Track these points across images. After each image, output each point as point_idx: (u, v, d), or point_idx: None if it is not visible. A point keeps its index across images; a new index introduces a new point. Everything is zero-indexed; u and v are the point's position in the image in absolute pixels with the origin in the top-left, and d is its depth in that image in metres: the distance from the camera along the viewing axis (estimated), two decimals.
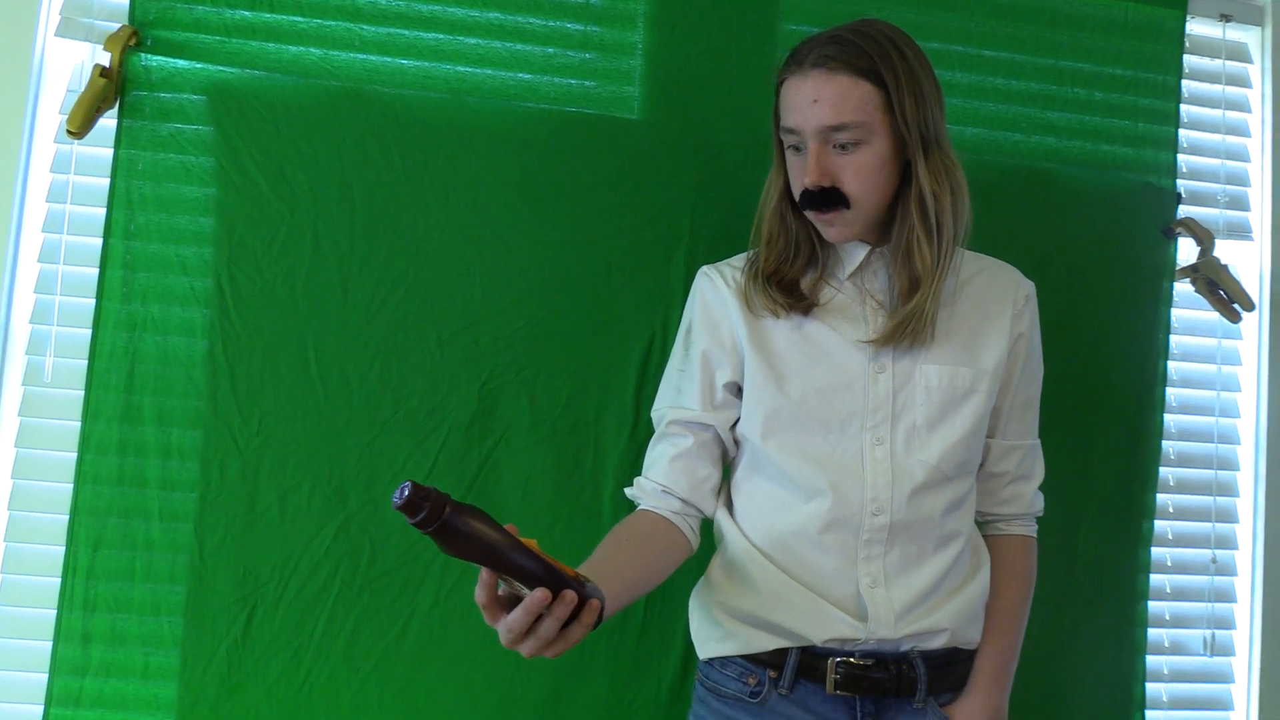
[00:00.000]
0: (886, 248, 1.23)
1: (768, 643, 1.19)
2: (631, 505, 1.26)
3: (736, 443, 1.27)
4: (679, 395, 1.26)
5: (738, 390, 1.26)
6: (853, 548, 1.18)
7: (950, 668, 1.22)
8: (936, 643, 1.19)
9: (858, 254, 1.25)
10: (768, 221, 1.26)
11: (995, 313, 1.26)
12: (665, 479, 1.23)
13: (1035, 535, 1.34)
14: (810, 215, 1.20)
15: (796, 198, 1.20)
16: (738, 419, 1.26)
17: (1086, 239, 1.69)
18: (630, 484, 1.27)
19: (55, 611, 1.41)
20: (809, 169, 1.15)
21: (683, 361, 1.29)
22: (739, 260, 1.31)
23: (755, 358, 1.23)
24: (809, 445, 1.20)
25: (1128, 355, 1.71)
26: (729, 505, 1.28)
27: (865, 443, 1.19)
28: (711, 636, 1.25)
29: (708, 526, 1.29)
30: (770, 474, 1.22)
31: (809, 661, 1.18)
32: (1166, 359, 1.73)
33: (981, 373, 1.22)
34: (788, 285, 1.24)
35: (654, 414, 1.30)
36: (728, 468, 1.30)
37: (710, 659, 1.25)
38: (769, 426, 1.21)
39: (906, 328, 1.18)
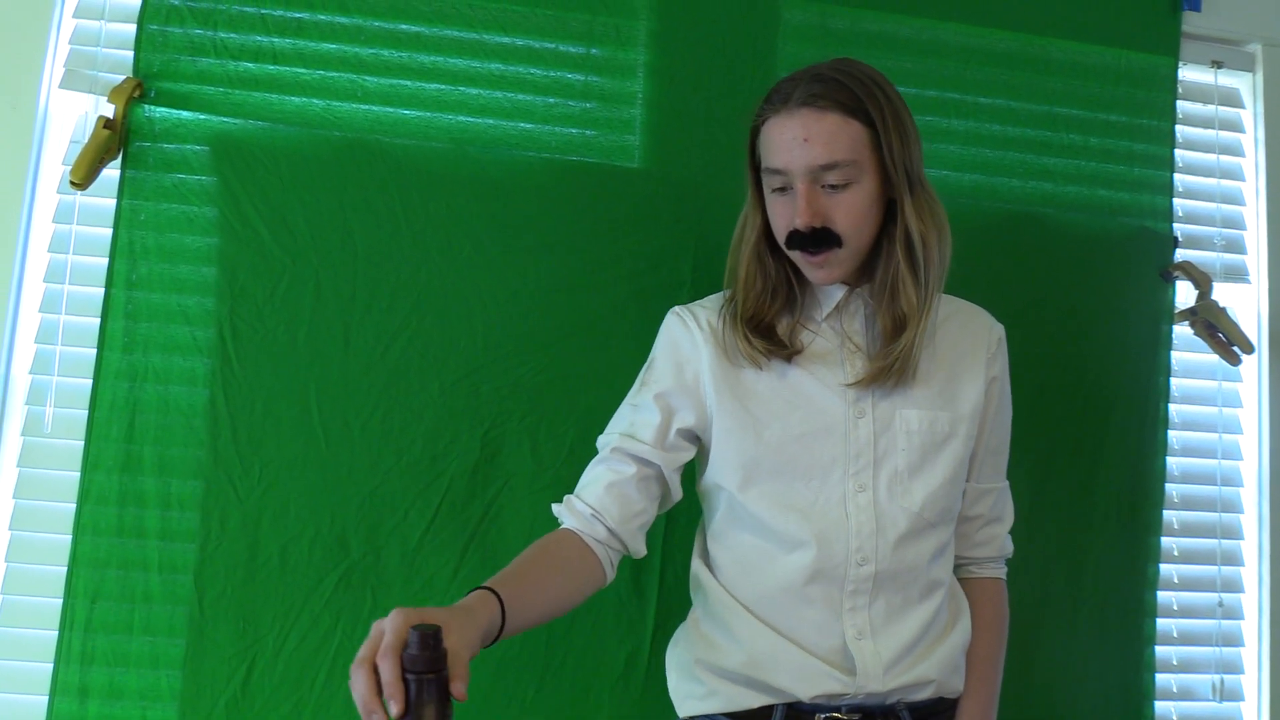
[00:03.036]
0: (866, 289, 1.22)
1: (752, 700, 1.16)
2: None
3: (670, 488, 1.22)
4: (631, 426, 1.22)
5: (693, 437, 1.23)
6: (837, 599, 1.16)
7: (934, 718, 1.20)
8: (923, 694, 1.17)
9: (835, 295, 1.23)
10: (745, 263, 1.23)
11: (970, 356, 1.25)
12: (598, 503, 1.17)
13: (1005, 578, 1.34)
14: (799, 257, 1.18)
15: (781, 239, 1.18)
16: (683, 464, 1.23)
17: (1084, 283, 1.70)
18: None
19: (52, 665, 1.39)
20: (800, 210, 1.13)
21: (639, 396, 1.24)
22: (711, 302, 1.29)
23: (730, 405, 1.20)
24: (790, 494, 1.17)
25: (1128, 399, 1.71)
26: (705, 557, 1.25)
27: (848, 489, 1.17)
28: (692, 694, 1.21)
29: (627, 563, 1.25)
30: (750, 525, 1.19)
31: (795, 718, 1.15)
32: (1167, 402, 1.73)
33: (960, 417, 1.21)
34: (766, 330, 1.21)
35: (600, 441, 1.24)
36: (702, 515, 1.28)
37: (691, 717, 1.21)
38: (748, 476, 1.18)
39: (892, 368, 1.17)
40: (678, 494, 1.24)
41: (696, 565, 1.25)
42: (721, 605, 1.19)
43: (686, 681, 1.23)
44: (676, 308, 1.29)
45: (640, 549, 1.20)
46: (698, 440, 1.24)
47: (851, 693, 1.13)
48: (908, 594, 1.18)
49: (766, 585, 1.17)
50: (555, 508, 1.21)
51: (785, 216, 1.16)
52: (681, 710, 1.23)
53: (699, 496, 1.29)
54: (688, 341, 1.24)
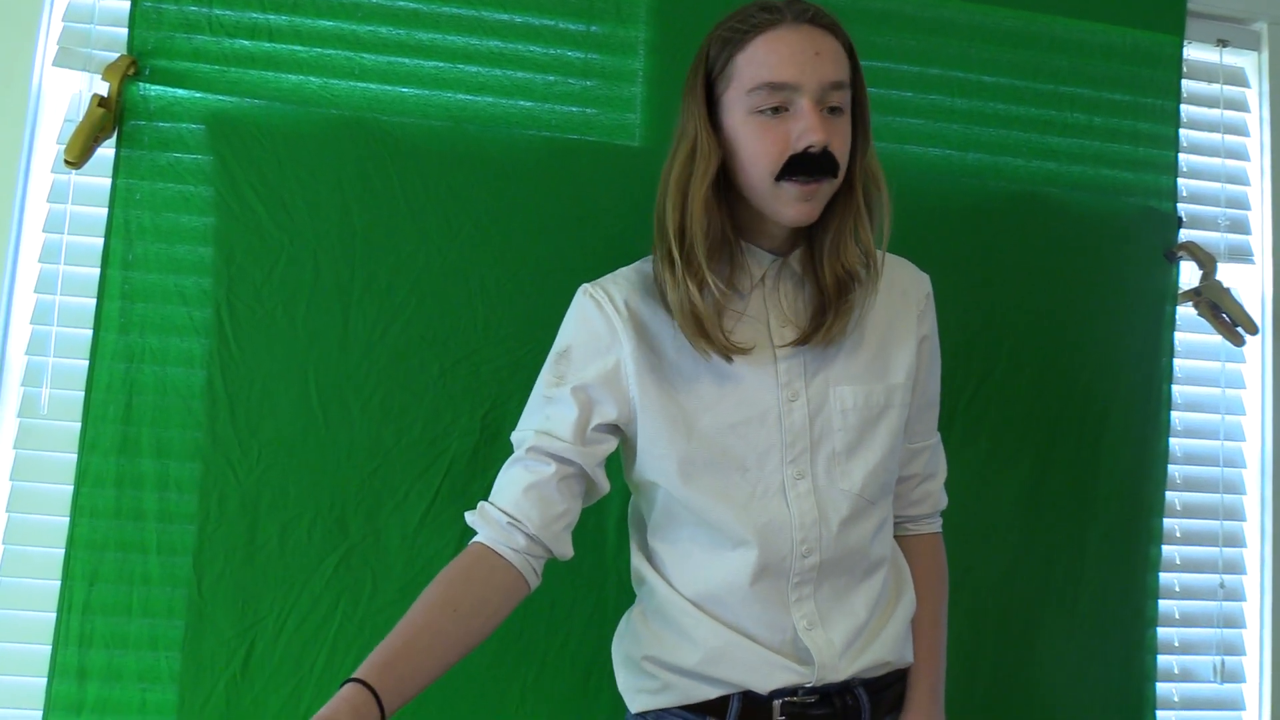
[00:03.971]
0: (796, 255, 1.17)
1: (709, 692, 1.13)
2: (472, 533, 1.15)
3: (595, 482, 1.16)
4: (547, 422, 1.14)
5: (614, 429, 1.16)
6: (784, 590, 1.12)
7: (889, 689, 1.18)
8: (878, 671, 1.16)
9: (764, 261, 1.16)
10: (698, 211, 1.09)
11: (901, 318, 1.20)
12: (515, 509, 1.10)
13: (940, 530, 1.30)
14: (787, 190, 1.07)
15: (770, 168, 1.07)
16: (606, 457, 1.16)
17: (1088, 264, 1.69)
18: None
19: (50, 647, 1.38)
20: (813, 127, 1.04)
21: (553, 388, 1.16)
22: (626, 277, 1.20)
23: (656, 397, 1.13)
24: (728, 488, 1.12)
25: (1131, 380, 1.70)
26: (645, 550, 1.20)
27: (786, 477, 1.12)
28: (645, 689, 1.18)
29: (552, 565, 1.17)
30: (691, 521, 1.14)
31: (752, 706, 1.12)
32: (1170, 383, 1.72)
33: (894, 387, 1.17)
34: (718, 310, 1.11)
35: (514, 437, 1.17)
36: (640, 513, 1.23)
37: (644, 711, 1.18)
38: (684, 472, 1.12)
39: (831, 327, 1.11)
40: (604, 486, 1.18)
41: (638, 560, 1.20)
42: (669, 603, 1.15)
43: (636, 677, 1.19)
44: (588, 287, 1.19)
45: (566, 551, 1.14)
46: (619, 432, 1.17)
47: (810, 683, 1.11)
48: (852, 575, 1.15)
49: (712, 582, 1.13)
50: (469, 516, 1.14)
51: (780, 140, 1.06)
52: (633, 705, 1.20)
53: (629, 487, 1.24)
54: (605, 328, 1.16)
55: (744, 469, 1.13)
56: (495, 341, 1.47)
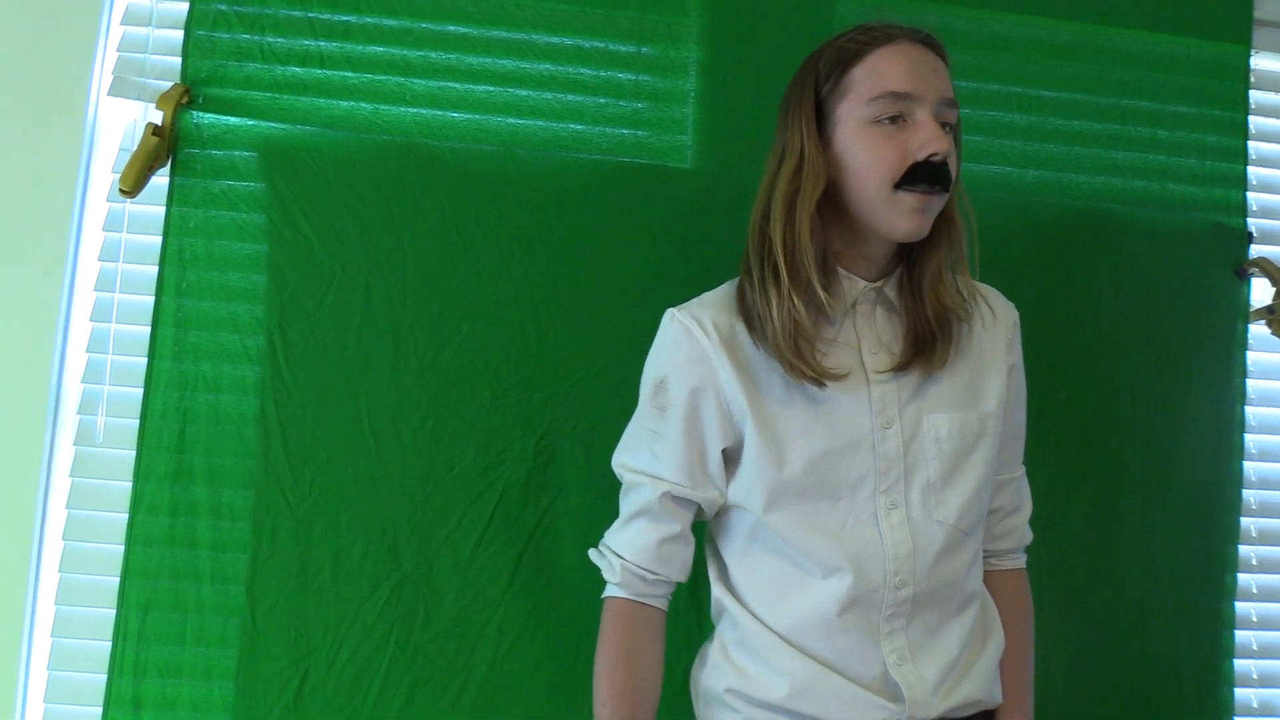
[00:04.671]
0: (889, 282, 1.15)
1: None
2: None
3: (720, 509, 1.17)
4: (656, 461, 1.15)
5: (723, 455, 1.15)
6: (875, 623, 1.09)
7: None
8: (968, 711, 1.12)
9: (857, 286, 1.14)
10: (804, 230, 1.09)
11: (990, 347, 1.19)
12: (655, 565, 1.14)
13: (1025, 567, 1.28)
14: (905, 200, 1.07)
15: (890, 176, 1.06)
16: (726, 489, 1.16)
17: (1155, 281, 1.64)
18: None
19: (106, 676, 1.38)
20: (934, 136, 1.04)
21: (657, 422, 1.15)
22: (710, 301, 1.18)
23: (753, 422, 1.11)
24: (819, 516, 1.10)
25: (1202, 401, 1.64)
26: (726, 581, 1.17)
27: (879, 507, 1.10)
28: None
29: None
30: (777, 548, 1.12)
31: None
32: (1243, 404, 1.66)
33: (987, 415, 1.15)
34: (809, 333, 1.10)
35: (626, 473, 1.18)
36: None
37: None
38: (773, 499, 1.10)
39: (927, 355, 1.11)
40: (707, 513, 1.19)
41: (718, 590, 1.17)
42: (753, 635, 1.12)
43: (718, 710, 1.16)
44: (675, 313, 1.17)
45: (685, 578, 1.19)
46: (727, 456, 1.16)
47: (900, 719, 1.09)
48: (944, 610, 1.12)
49: (800, 613, 1.10)
50: (606, 571, 1.17)
51: (900, 148, 1.06)
52: None
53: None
54: (699, 353, 1.14)
55: (836, 497, 1.11)
56: (547, 367, 1.46)
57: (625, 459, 1.19)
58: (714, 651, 1.18)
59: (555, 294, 1.47)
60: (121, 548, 1.40)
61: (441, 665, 1.41)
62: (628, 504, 1.18)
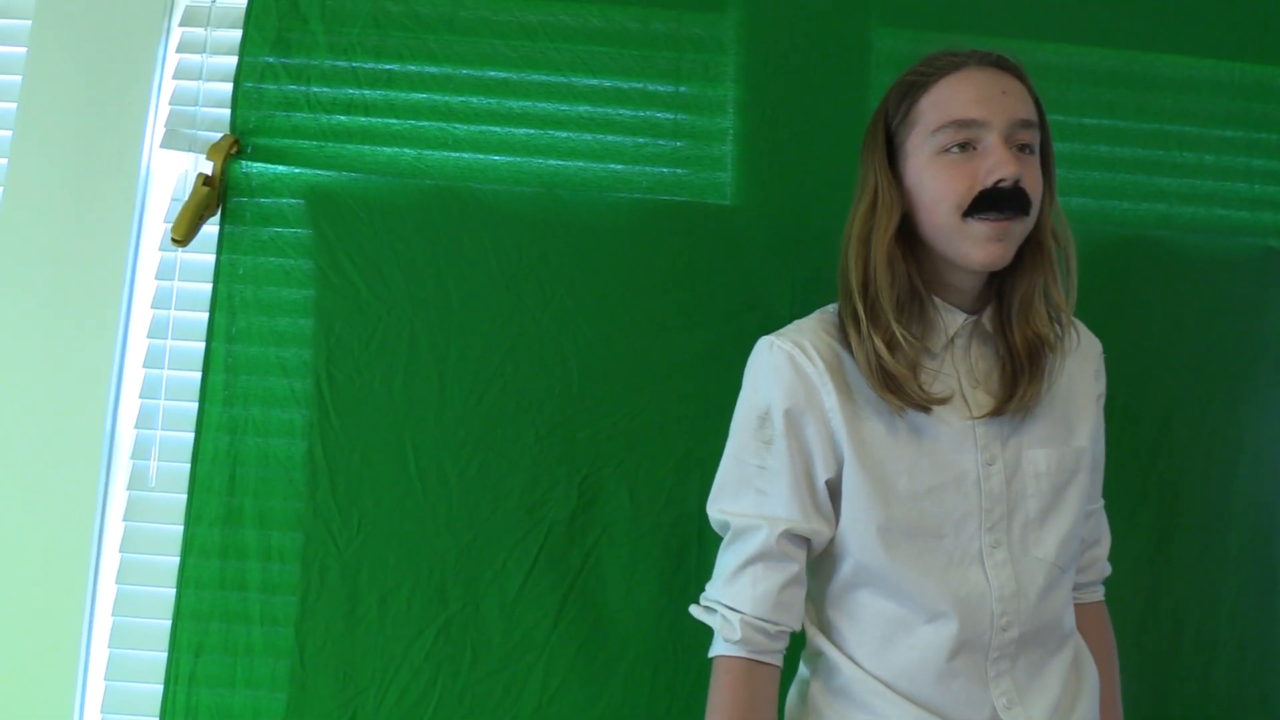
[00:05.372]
0: (987, 314, 1.14)
1: None
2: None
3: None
4: (765, 499, 1.10)
5: (829, 487, 1.11)
6: (982, 667, 1.07)
7: None
8: None
9: (956, 320, 1.12)
10: (881, 261, 1.07)
11: (1080, 380, 1.17)
12: (777, 614, 1.07)
13: (1104, 599, 1.28)
14: (977, 229, 1.05)
15: (960, 205, 1.05)
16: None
17: (1206, 309, 1.60)
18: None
19: (157, 719, 1.40)
20: (1004, 160, 1.02)
21: (764, 457, 1.11)
22: (809, 327, 1.15)
23: (857, 455, 1.08)
24: (925, 555, 1.07)
25: (1259, 430, 1.60)
26: (822, 623, 1.14)
27: (984, 545, 1.08)
28: None
29: None
30: (882, 590, 1.08)
31: None
32: None
33: (1081, 450, 1.13)
34: (911, 365, 1.06)
35: (734, 519, 1.11)
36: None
37: None
38: (886, 539, 1.07)
39: (1024, 396, 1.08)
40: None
41: (811, 632, 1.14)
42: (855, 681, 1.08)
43: None
44: (774, 340, 1.13)
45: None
46: (832, 488, 1.12)
47: None
48: (1045, 649, 1.10)
49: (906, 659, 1.07)
50: (726, 632, 1.08)
51: (968, 176, 1.04)
52: None
53: None
54: (805, 381, 1.10)
55: (940, 536, 1.08)
56: (591, 406, 1.46)
57: (727, 505, 1.13)
58: (814, 695, 1.13)
59: (597, 333, 1.47)
60: (173, 591, 1.41)
61: (489, 706, 1.41)
62: (736, 553, 1.11)
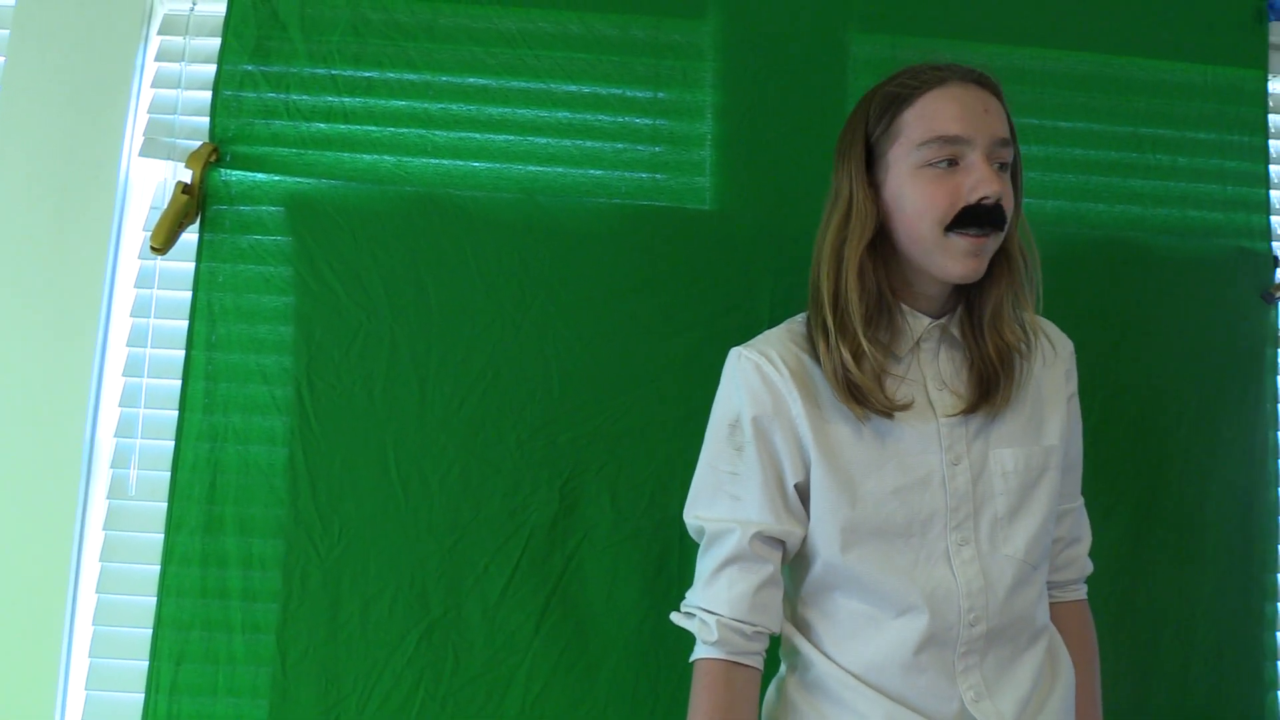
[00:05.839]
0: (952, 322, 1.16)
1: None
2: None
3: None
4: (738, 504, 1.12)
5: (802, 493, 1.13)
6: (950, 661, 1.09)
7: None
8: None
9: (921, 325, 1.15)
10: (851, 270, 1.09)
11: (1050, 380, 1.19)
12: (753, 615, 1.09)
13: (1086, 598, 1.29)
14: (956, 243, 1.07)
15: (941, 220, 1.07)
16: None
17: (1182, 309, 1.62)
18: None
19: None
20: (987, 179, 1.05)
21: (735, 463, 1.13)
22: (776, 337, 1.18)
23: (824, 460, 1.10)
24: (892, 554, 1.09)
25: (1233, 429, 1.62)
26: (796, 622, 1.16)
27: (950, 544, 1.10)
28: None
29: None
30: (852, 590, 1.11)
31: None
32: (1277, 430, 1.64)
33: (1051, 449, 1.15)
34: (876, 376, 1.10)
35: (708, 525, 1.13)
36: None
37: None
38: (848, 539, 1.09)
39: (994, 397, 1.11)
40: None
41: (788, 629, 1.16)
42: (828, 675, 1.11)
43: None
44: (744, 351, 1.16)
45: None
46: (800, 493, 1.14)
47: None
48: (1016, 644, 1.12)
49: (876, 653, 1.09)
50: (703, 634, 1.10)
51: (951, 193, 1.06)
52: None
53: None
54: (772, 389, 1.13)
55: (907, 535, 1.10)
56: (572, 410, 1.47)
57: (702, 511, 1.15)
58: (789, 690, 1.16)
59: (578, 337, 1.48)
60: (154, 599, 1.41)
61: (472, 711, 1.41)
62: (712, 557, 1.13)
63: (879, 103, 1.13)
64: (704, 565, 1.14)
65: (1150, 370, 1.60)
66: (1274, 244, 1.68)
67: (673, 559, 1.45)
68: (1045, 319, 1.24)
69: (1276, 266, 1.67)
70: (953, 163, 1.07)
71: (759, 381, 1.13)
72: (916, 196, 1.08)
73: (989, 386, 1.13)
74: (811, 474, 1.12)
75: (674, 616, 1.15)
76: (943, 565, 1.10)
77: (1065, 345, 1.24)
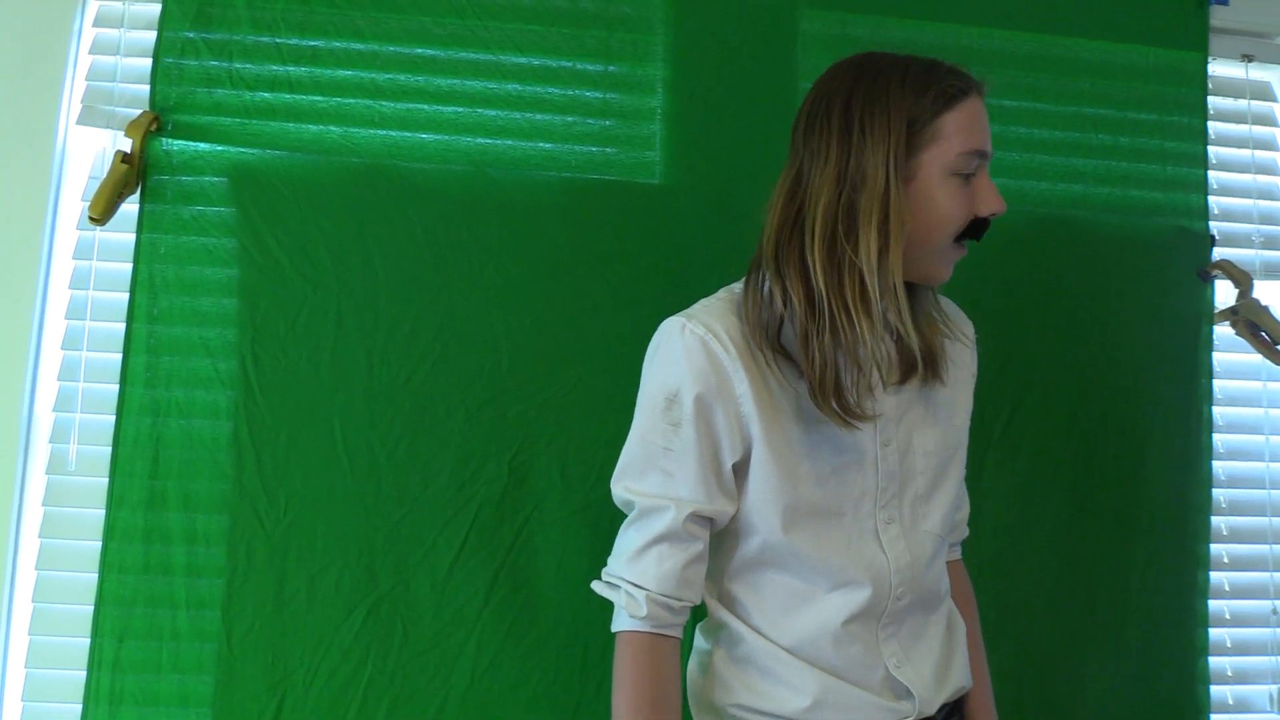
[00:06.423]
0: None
1: None
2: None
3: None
4: (671, 481, 1.09)
5: (736, 470, 1.11)
6: (873, 631, 1.12)
7: (955, 713, 1.20)
8: (954, 696, 1.18)
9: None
10: (887, 282, 1.05)
11: (960, 362, 1.22)
12: (680, 591, 1.08)
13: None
14: (951, 251, 1.11)
15: (953, 228, 1.08)
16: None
17: (1120, 286, 1.66)
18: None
19: (81, 706, 1.37)
20: (996, 194, 1.09)
21: (670, 439, 1.09)
22: (718, 310, 1.12)
23: (764, 439, 1.08)
24: (827, 533, 1.10)
25: (1169, 403, 1.66)
26: (723, 596, 1.15)
27: (879, 522, 1.12)
28: None
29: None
30: (787, 565, 1.11)
31: None
32: (1211, 404, 1.68)
33: (961, 428, 1.20)
34: (868, 387, 1.10)
35: (638, 499, 1.10)
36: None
37: None
38: (789, 519, 1.09)
39: (932, 374, 1.15)
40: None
41: (713, 605, 1.15)
42: (758, 650, 1.11)
43: None
44: (684, 323, 1.10)
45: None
46: (737, 473, 1.12)
47: (912, 717, 1.12)
48: (926, 611, 1.17)
49: (809, 627, 1.10)
50: (631, 608, 1.08)
51: (967, 204, 1.08)
52: None
53: None
54: (717, 366, 1.08)
55: (840, 514, 1.11)
56: (521, 384, 1.46)
57: (632, 484, 1.12)
58: (716, 665, 1.15)
59: (527, 311, 1.47)
60: (95, 576, 1.39)
61: (420, 685, 1.41)
62: (641, 531, 1.10)
63: (931, 98, 1.06)
64: (631, 538, 1.12)
65: (1090, 346, 1.63)
66: (1210, 224, 1.72)
67: None
68: (945, 298, 1.26)
69: (1213, 246, 1.71)
70: (970, 176, 1.09)
71: (703, 359, 1.08)
72: (945, 204, 1.07)
73: (927, 367, 1.15)
74: (753, 454, 1.10)
75: (596, 585, 1.14)
76: (873, 542, 1.12)
77: (968, 326, 1.27)
